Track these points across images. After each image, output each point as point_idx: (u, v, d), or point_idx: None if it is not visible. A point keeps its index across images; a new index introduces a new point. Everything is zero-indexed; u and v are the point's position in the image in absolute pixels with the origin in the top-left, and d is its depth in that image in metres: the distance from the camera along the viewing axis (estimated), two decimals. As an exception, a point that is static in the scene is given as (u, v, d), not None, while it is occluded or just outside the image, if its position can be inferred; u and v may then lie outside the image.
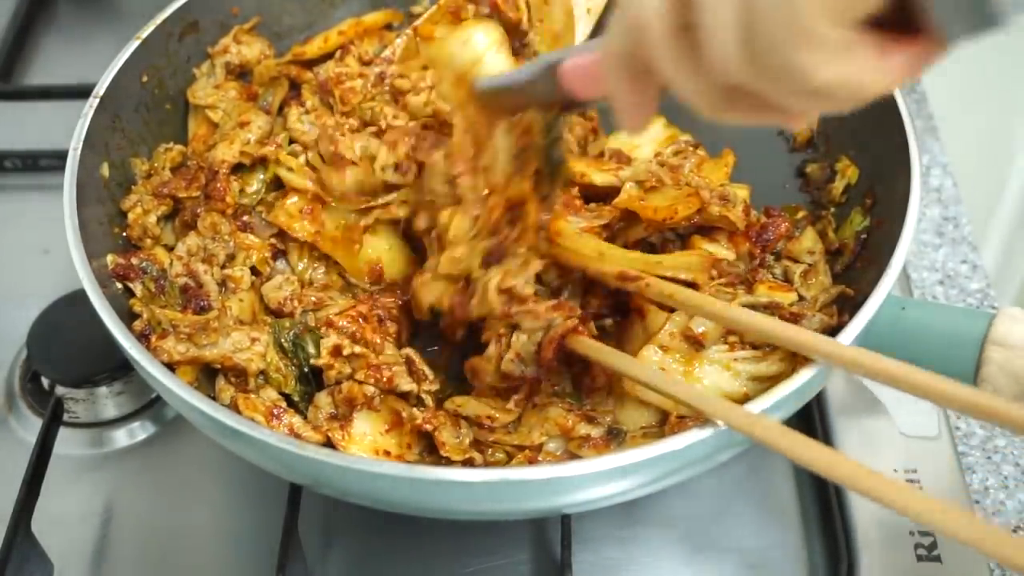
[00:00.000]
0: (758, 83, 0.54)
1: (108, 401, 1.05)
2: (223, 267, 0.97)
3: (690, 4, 0.55)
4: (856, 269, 0.94)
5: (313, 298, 0.97)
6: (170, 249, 0.99)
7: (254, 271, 0.98)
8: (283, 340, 0.93)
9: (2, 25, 1.50)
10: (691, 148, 1.03)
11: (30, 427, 1.05)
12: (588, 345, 0.86)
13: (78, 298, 0.97)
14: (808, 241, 0.98)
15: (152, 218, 0.99)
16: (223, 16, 1.13)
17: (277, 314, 0.97)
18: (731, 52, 0.53)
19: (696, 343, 0.85)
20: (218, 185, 1.00)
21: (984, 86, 1.84)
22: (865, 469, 0.66)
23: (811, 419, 1.01)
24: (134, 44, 1.03)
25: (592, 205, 0.98)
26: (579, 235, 0.93)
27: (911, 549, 0.95)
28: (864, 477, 0.65)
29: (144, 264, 0.94)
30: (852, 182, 1.02)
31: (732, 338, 0.86)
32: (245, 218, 1.01)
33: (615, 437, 0.86)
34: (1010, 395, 0.80)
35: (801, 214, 1.02)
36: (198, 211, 0.99)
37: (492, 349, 0.89)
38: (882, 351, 0.77)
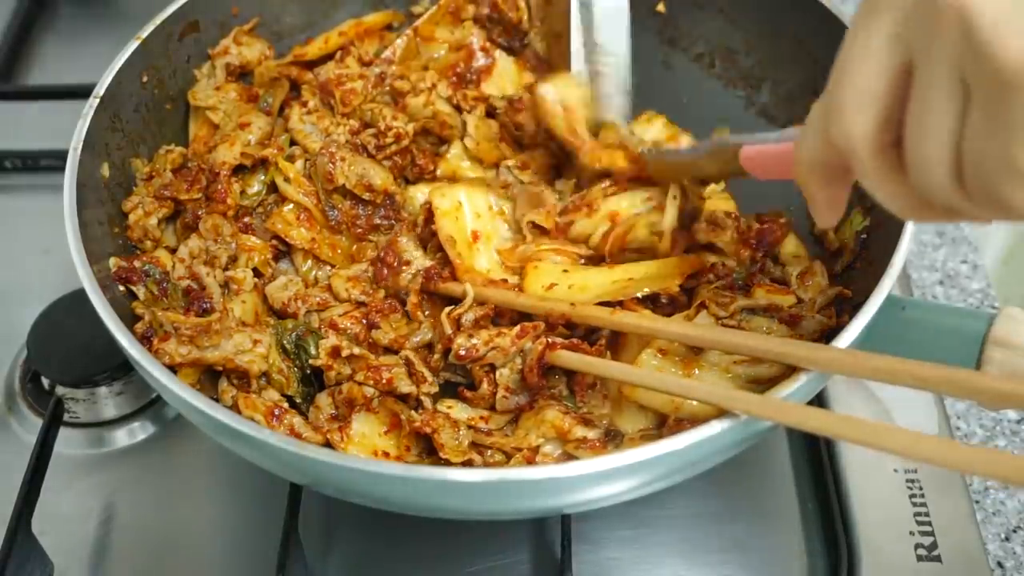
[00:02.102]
0: (960, 204, 0.57)
1: (108, 401, 1.05)
2: (225, 269, 0.97)
3: (901, 138, 0.57)
4: (856, 269, 0.94)
5: (318, 299, 0.97)
6: (172, 251, 0.99)
7: (256, 273, 0.98)
8: (285, 342, 0.93)
9: (2, 25, 1.50)
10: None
11: (30, 427, 1.05)
12: (568, 359, 0.88)
13: (78, 298, 0.97)
14: (791, 246, 0.98)
15: (153, 220, 0.98)
16: (223, 16, 1.13)
17: (281, 315, 0.97)
18: (940, 183, 0.56)
19: (694, 347, 0.85)
20: (219, 187, 1.00)
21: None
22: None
23: (811, 419, 1.01)
24: (134, 44, 1.02)
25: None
26: (547, 291, 0.94)
27: (911, 549, 0.95)
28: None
29: (147, 267, 0.94)
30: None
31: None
32: (246, 219, 1.01)
33: (612, 439, 0.86)
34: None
35: (783, 220, 1.01)
36: (199, 213, 0.99)
37: (485, 388, 0.90)
38: (882, 352, 0.77)
